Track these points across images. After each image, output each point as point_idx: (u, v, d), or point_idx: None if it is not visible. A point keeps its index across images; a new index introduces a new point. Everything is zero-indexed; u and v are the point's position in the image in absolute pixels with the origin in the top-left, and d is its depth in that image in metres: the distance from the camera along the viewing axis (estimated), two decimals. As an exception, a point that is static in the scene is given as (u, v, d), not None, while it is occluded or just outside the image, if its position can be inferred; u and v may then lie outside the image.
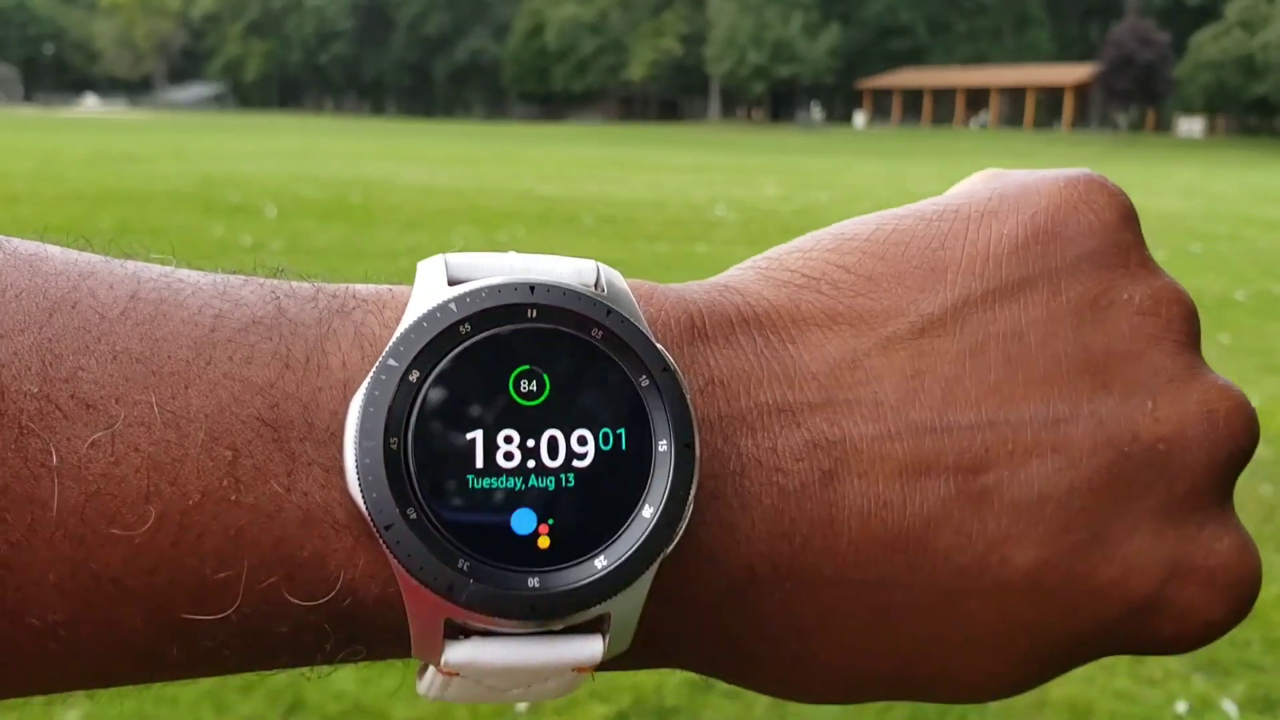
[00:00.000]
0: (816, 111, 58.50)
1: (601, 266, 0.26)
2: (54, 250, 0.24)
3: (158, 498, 0.21)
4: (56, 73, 73.46)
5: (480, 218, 8.80)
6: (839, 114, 60.39)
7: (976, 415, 0.26)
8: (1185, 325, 0.28)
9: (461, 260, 0.25)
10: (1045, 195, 0.29)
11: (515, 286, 0.24)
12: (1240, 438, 0.28)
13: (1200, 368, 0.28)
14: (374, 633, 0.24)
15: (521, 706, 1.85)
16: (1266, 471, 3.17)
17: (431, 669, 0.24)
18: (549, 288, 0.24)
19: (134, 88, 73.47)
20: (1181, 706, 1.95)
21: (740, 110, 62.37)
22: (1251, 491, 3.00)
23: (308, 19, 64.87)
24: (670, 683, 1.88)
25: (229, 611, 0.22)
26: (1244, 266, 7.29)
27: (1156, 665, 2.07)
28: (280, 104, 70.53)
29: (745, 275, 0.28)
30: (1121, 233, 0.29)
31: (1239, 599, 0.28)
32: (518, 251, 0.26)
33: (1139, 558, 0.27)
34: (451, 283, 0.25)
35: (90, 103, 64.60)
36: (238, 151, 17.20)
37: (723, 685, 1.87)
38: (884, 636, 0.26)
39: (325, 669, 0.25)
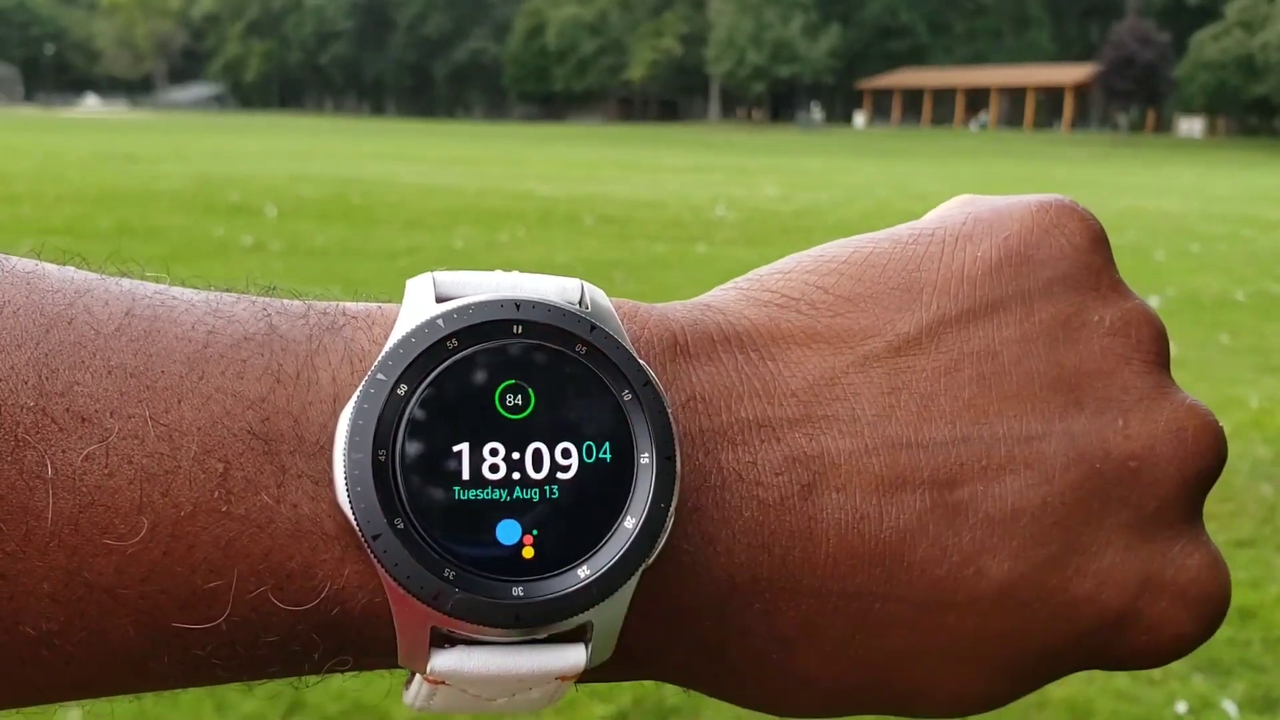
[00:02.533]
0: (816, 112, 58.47)
1: (586, 285, 0.27)
2: (51, 268, 0.24)
3: (150, 509, 0.22)
4: (57, 73, 73.46)
5: (480, 218, 8.80)
6: (839, 114, 60.36)
7: (951, 431, 0.27)
8: (1154, 346, 0.29)
9: (449, 278, 0.26)
10: (1018, 220, 0.29)
11: (501, 303, 0.25)
12: (1209, 455, 0.29)
13: (1170, 387, 0.29)
14: (361, 642, 0.24)
15: (522, 706, 1.84)
16: (1266, 471, 3.17)
17: (418, 678, 0.25)
18: (534, 304, 0.25)
19: (134, 88, 73.46)
20: (1181, 706, 1.95)
21: (740, 110, 62.36)
22: (1252, 491, 3.00)
23: (307, 19, 64.86)
24: (670, 682, 1.88)
25: (219, 620, 0.23)
26: (1243, 266, 7.28)
27: (1156, 665, 2.07)
28: (280, 104, 70.51)
29: (727, 295, 0.29)
30: (1092, 256, 0.29)
31: (1209, 614, 0.28)
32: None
33: (1111, 572, 0.27)
34: (439, 300, 0.25)
35: (90, 103, 64.59)
36: (238, 152, 17.20)
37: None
38: (862, 648, 0.27)
39: (314, 679, 0.25)
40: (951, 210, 0.31)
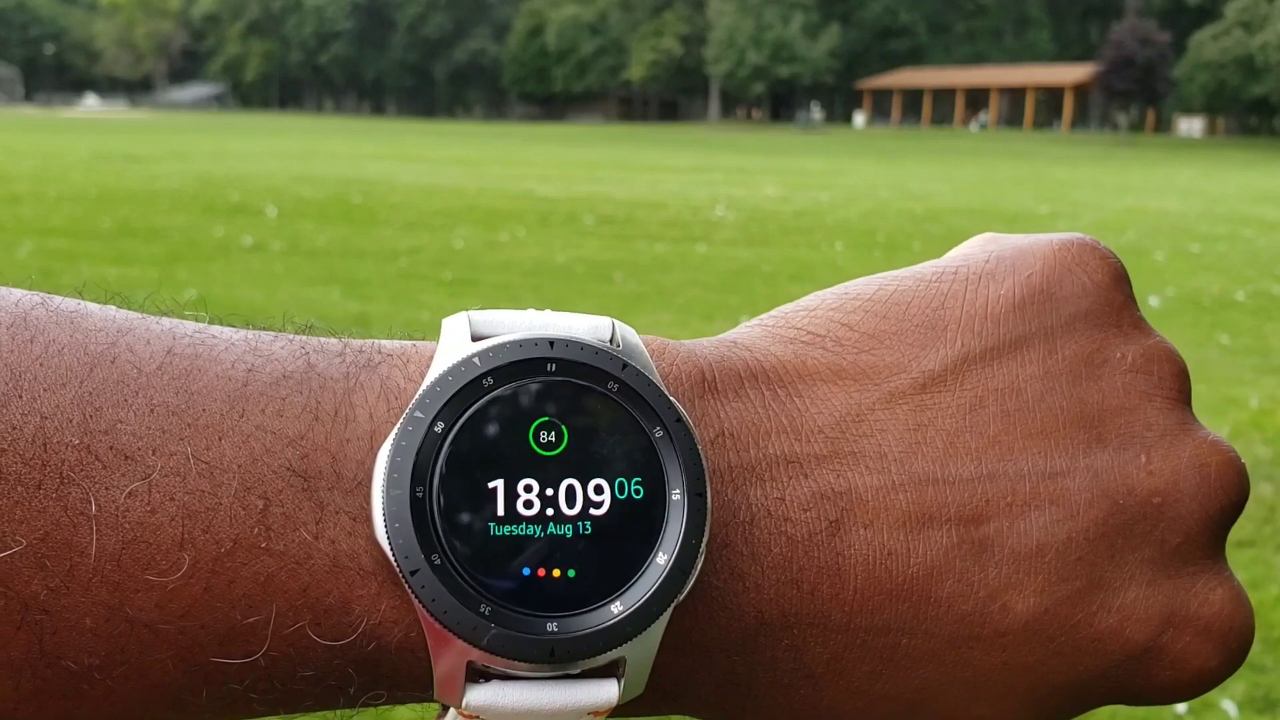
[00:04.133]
0: (816, 112, 58.41)
1: (617, 323, 0.27)
2: (93, 307, 0.25)
3: (191, 545, 0.22)
4: (57, 73, 73.46)
5: (480, 218, 8.81)
6: (839, 114, 60.38)
7: (977, 467, 0.27)
8: (1176, 382, 0.30)
9: (484, 317, 0.26)
10: (1040, 258, 0.30)
11: (535, 342, 0.25)
12: (1232, 491, 0.29)
13: (1192, 423, 0.29)
14: (396, 676, 0.24)
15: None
16: (1266, 471, 3.17)
17: (452, 712, 0.25)
18: (567, 343, 0.25)
19: (134, 88, 73.46)
20: (1181, 707, 1.95)
21: (740, 111, 62.36)
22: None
23: (308, 19, 64.85)
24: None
25: (257, 655, 0.23)
26: (1242, 266, 7.29)
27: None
28: (280, 104, 70.52)
29: (753, 332, 0.29)
30: (1113, 293, 0.30)
31: (1232, 649, 0.29)
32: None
33: (1135, 607, 0.28)
34: (474, 338, 0.26)
35: (91, 103, 64.61)
36: (238, 152, 17.21)
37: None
38: (890, 683, 0.27)
39: (350, 712, 0.25)
40: (974, 248, 0.31)
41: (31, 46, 71.11)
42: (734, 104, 62.36)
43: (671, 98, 63.99)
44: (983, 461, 0.27)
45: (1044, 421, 0.28)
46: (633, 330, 0.27)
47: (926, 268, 0.30)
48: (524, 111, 65.06)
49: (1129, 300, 0.30)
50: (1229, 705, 1.96)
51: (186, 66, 73.72)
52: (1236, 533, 2.72)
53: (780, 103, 61.34)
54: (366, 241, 7.26)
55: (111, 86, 73.47)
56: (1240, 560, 2.57)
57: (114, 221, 7.75)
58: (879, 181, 14.74)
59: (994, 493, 0.27)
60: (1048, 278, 0.29)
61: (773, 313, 0.30)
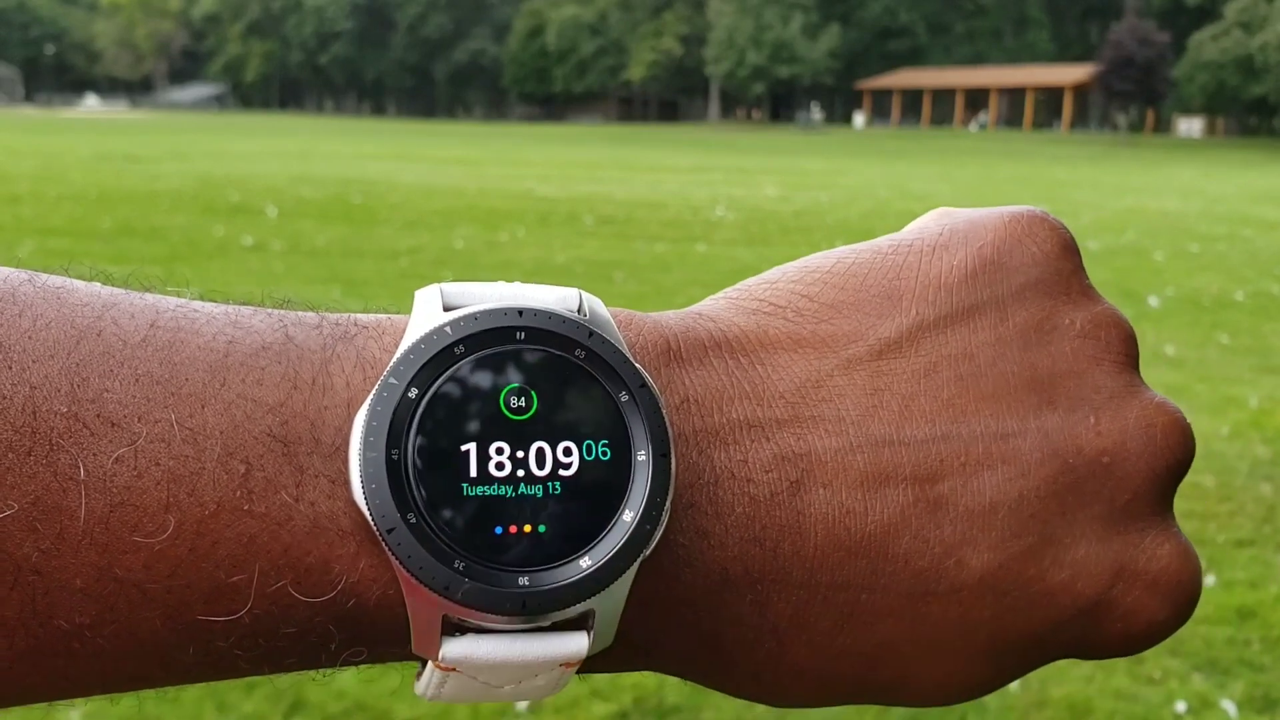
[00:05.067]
0: (816, 112, 58.42)
1: (584, 294, 0.28)
2: (79, 283, 0.26)
3: (176, 508, 0.23)
4: (57, 73, 73.47)
5: (480, 218, 8.81)
6: (838, 115, 60.40)
7: (931, 429, 0.28)
8: (1123, 347, 0.31)
9: (455, 288, 0.27)
10: (992, 230, 0.31)
11: (505, 311, 0.26)
12: (1178, 450, 0.30)
13: (1139, 386, 0.31)
14: (375, 633, 0.25)
15: (522, 705, 1.85)
16: (1266, 471, 3.17)
17: (429, 668, 0.26)
18: (536, 312, 0.27)
19: (135, 88, 73.48)
20: (1180, 706, 1.95)
21: (740, 111, 62.36)
22: (1251, 491, 3.01)
23: (308, 19, 64.85)
24: (672, 681, 1.89)
25: (241, 613, 0.24)
26: (1242, 266, 7.29)
27: (1155, 664, 2.07)
28: (281, 105, 70.54)
29: (717, 304, 0.31)
30: (1062, 262, 0.31)
31: (1180, 602, 0.30)
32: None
33: (1086, 562, 0.29)
34: (446, 309, 0.27)
35: (91, 103, 64.60)
36: (238, 152, 17.21)
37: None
38: (850, 638, 0.28)
39: (330, 671, 0.26)
40: (929, 222, 0.33)
41: (32, 47, 71.09)
42: (734, 104, 62.35)
43: (671, 98, 63.98)
44: (937, 423, 0.28)
45: (996, 385, 0.29)
46: (600, 301, 0.28)
47: (883, 241, 0.32)
48: (524, 112, 65.06)
49: (1078, 269, 0.31)
50: (1228, 705, 1.96)
51: (187, 67, 73.71)
52: (1236, 532, 2.72)
53: (780, 103, 61.34)
54: (366, 241, 7.26)
55: (112, 87, 73.48)
56: (1239, 560, 2.57)
57: (114, 221, 7.76)
58: (879, 181, 14.74)
59: (948, 453, 0.28)
60: (998, 248, 0.30)
61: (737, 286, 0.32)
